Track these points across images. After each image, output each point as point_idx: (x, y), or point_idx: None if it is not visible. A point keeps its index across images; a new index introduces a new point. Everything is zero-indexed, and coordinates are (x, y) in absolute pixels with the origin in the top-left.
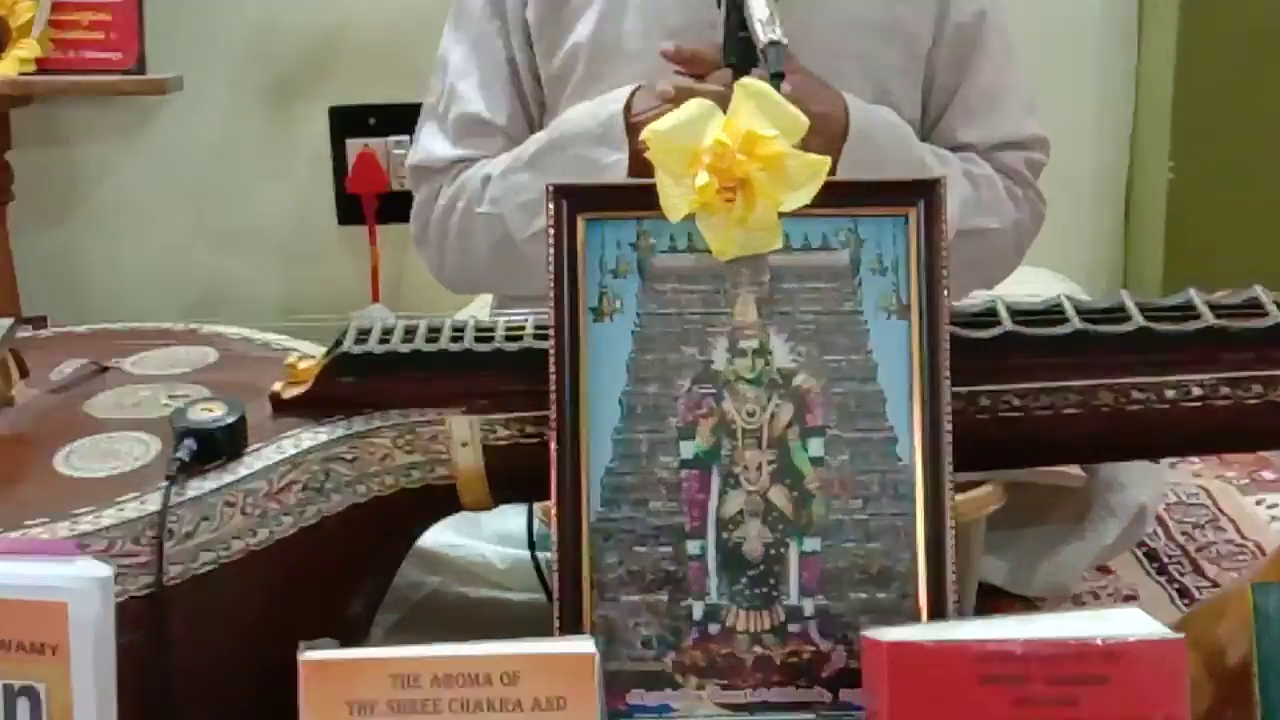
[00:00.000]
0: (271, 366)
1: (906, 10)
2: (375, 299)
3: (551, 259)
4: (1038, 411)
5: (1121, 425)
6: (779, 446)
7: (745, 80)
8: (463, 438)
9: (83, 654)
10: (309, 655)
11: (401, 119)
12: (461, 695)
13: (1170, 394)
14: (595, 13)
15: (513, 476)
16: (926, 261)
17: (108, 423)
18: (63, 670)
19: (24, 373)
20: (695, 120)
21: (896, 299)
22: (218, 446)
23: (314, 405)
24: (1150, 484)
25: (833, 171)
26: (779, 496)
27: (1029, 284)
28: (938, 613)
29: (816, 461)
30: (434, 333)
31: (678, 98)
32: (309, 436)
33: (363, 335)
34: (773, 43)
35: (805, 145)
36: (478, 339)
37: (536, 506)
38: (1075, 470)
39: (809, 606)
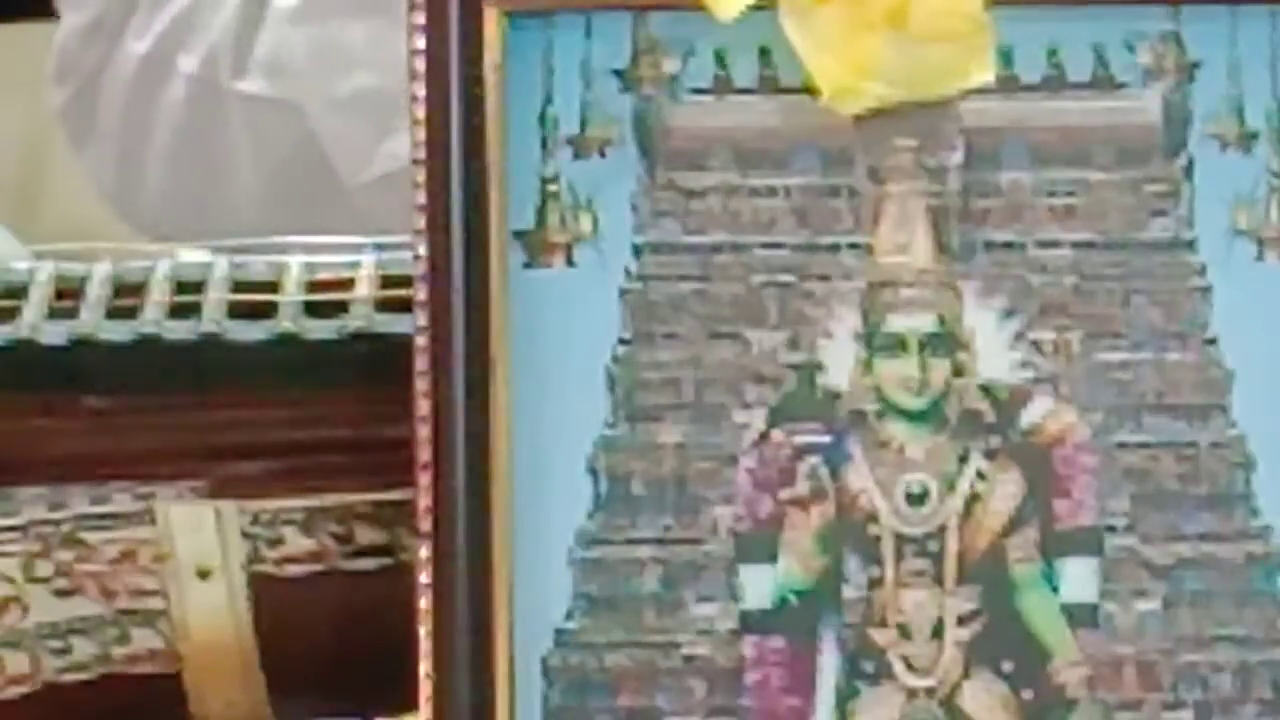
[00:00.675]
0: None
1: None
2: None
3: (420, 122)
4: None
5: None
6: (987, 579)
7: None
8: (199, 556)
9: None
10: None
11: None
12: None
13: None
14: None
15: (319, 658)
16: None
17: None
18: None
19: None
20: None
21: (1277, 209)
22: None
23: None
24: None
25: None
26: (983, 706)
27: None
28: None
29: (1080, 615)
30: (128, 290)
31: None
32: None
33: None
34: None
35: None
36: (235, 310)
37: None
38: None
39: None
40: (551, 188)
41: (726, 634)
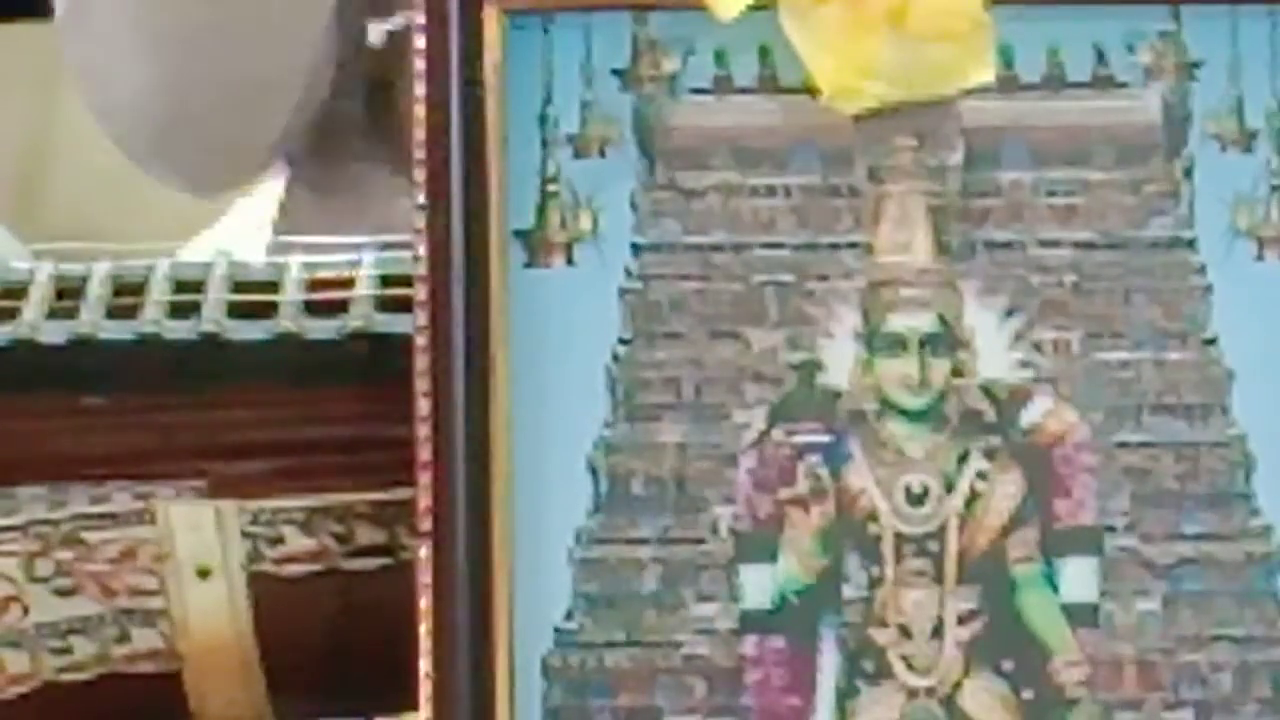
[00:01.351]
0: None
1: None
2: None
3: (420, 122)
4: None
5: None
6: (987, 578)
7: None
8: (199, 555)
9: None
10: None
11: None
12: None
13: None
14: None
15: (319, 658)
16: None
17: None
18: None
19: None
20: None
21: (1277, 209)
22: None
23: None
24: None
25: None
26: (984, 705)
27: None
28: None
29: (1080, 614)
30: (128, 290)
31: None
32: None
33: None
34: None
35: None
36: (234, 308)
37: None
38: None
39: None
40: (551, 187)
41: (726, 633)
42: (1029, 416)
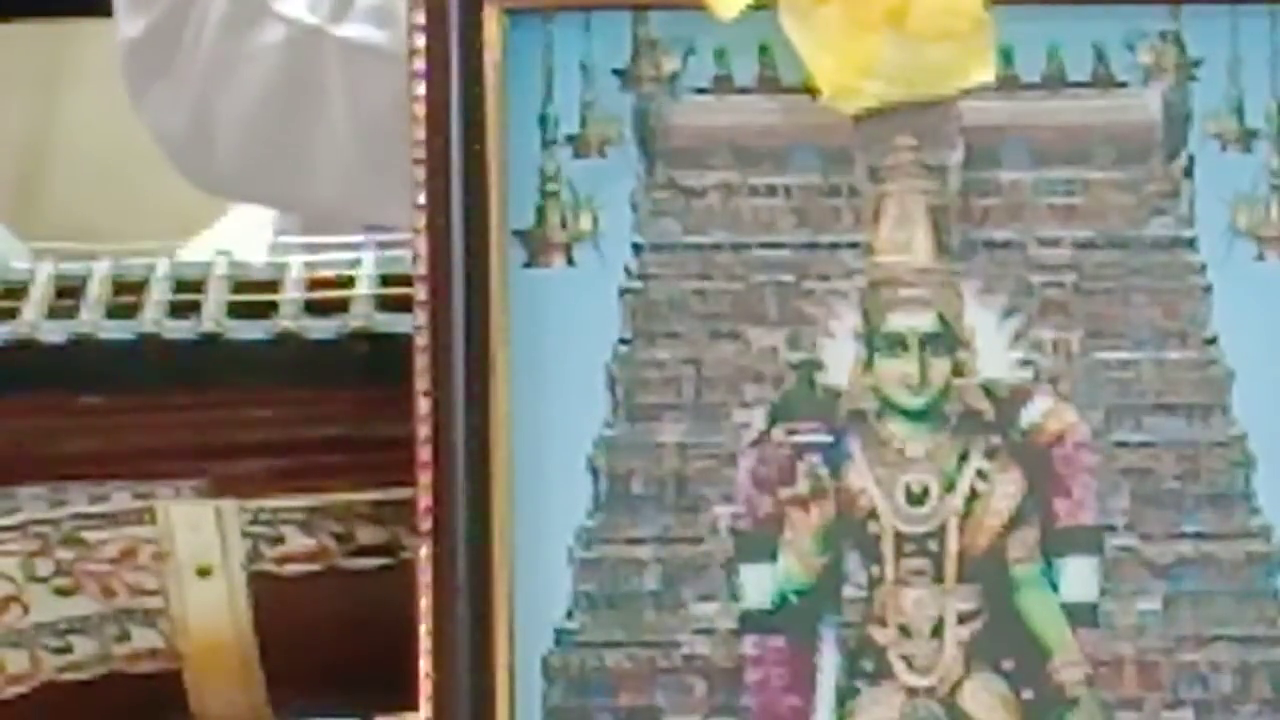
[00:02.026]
0: None
1: None
2: None
3: (420, 121)
4: None
5: None
6: (987, 578)
7: None
8: (199, 555)
9: None
10: None
11: None
12: None
13: None
14: None
15: (319, 657)
16: None
17: None
18: None
19: None
20: None
21: (1277, 208)
22: None
23: None
24: None
25: None
26: (984, 704)
27: None
28: None
29: (1080, 614)
30: (128, 289)
31: None
32: None
33: None
34: None
35: None
36: (234, 308)
37: None
38: None
39: None
40: (551, 187)
41: (726, 633)
42: (1029, 416)
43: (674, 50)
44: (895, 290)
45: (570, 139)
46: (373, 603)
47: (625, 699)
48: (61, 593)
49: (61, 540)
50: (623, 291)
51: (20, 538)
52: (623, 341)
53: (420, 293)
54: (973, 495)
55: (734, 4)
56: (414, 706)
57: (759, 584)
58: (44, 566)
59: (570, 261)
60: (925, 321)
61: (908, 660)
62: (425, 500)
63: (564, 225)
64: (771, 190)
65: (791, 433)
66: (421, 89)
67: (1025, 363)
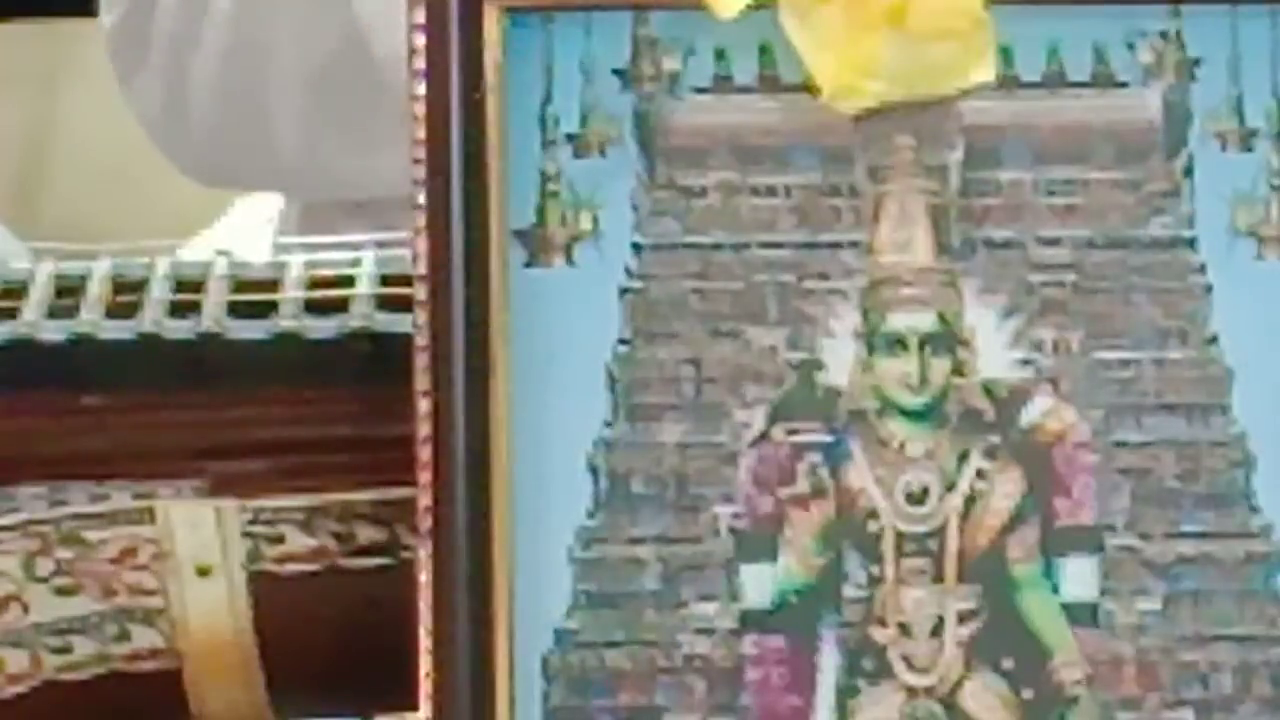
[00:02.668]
0: None
1: None
2: None
3: (420, 121)
4: None
5: None
6: (987, 577)
7: None
8: (199, 554)
9: None
10: None
11: None
12: None
13: None
14: None
15: (319, 657)
16: None
17: None
18: None
19: None
20: None
21: (1277, 208)
22: None
23: None
24: None
25: None
26: (984, 704)
27: None
28: None
29: (1080, 613)
30: (128, 289)
31: None
32: None
33: None
34: None
35: None
36: (234, 308)
37: None
38: None
39: None
40: (552, 186)
41: (726, 633)
42: (1029, 415)
43: (674, 50)
44: (895, 290)
45: (570, 139)
46: (373, 603)
47: (625, 699)
48: (61, 592)
49: (61, 540)
50: (623, 291)
51: (20, 537)
52: (623, 341)
53: (420, 293)
54: (973, 495)
55: (734, 4)
56: (414, 706)
57: (759, 584)
58: (44, 566)
59: (570, 261)
60: (925, 321)
61: (908, 660)
62: (425, 500)
63: (564, 225)
64: (771, 190)
65: (791, 432)
66: (421, 89)
67: (1025, 362)
